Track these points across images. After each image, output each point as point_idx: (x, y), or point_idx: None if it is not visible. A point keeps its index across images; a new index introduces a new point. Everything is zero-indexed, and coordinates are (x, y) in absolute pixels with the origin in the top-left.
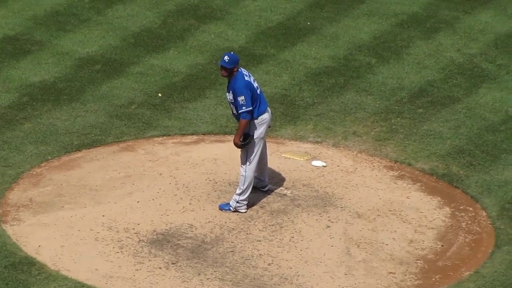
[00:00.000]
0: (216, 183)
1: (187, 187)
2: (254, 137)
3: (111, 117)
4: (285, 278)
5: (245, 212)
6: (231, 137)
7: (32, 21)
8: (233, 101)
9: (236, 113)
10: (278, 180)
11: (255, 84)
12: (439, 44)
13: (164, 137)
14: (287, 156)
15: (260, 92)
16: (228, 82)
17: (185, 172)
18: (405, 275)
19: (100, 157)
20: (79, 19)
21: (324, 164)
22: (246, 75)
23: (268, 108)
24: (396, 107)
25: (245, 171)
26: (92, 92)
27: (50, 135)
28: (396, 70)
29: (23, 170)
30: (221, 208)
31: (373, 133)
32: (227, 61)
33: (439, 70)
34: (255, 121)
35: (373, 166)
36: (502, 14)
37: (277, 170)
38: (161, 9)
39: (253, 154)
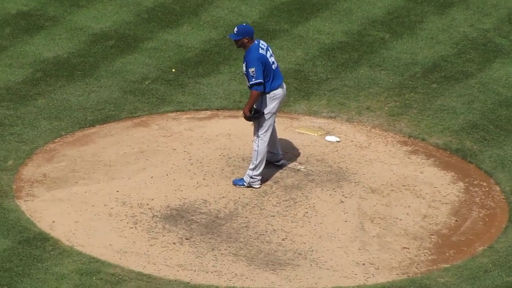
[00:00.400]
0: (230, 158)
1: (201, 162)
2: (266, 112)
3: (125, 92)
4: (299, 253)
5: (259, 187)
6: None
7: None
8: (245, 72)
9: (248, 85)
10: (292, 155)
11: (272, 59)
12: (452, 19)
13: (178, 113)
14: (301, 131)
15: (276, 67)
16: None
17: (198, 148)
18: (419, 250)
19: (114, 133)
20: None
21: (338, 139)
22: (262, 48)
23: (283, 84)
24: (410, 82)
25: (258, 145)
26: (106, 68)
27: (64, 110)
28: (410, 45)
29: (37, 145)
30: (235, 183)
31: (386, 108)
32: (235, 32)
33: (452, 45)
34: (267, 95)
35: (387, 141)
36: None
37: (291, 145)
38: None
39: (265, 129)
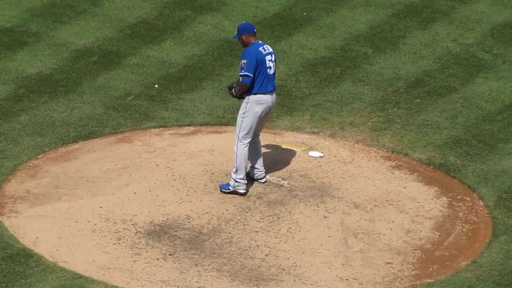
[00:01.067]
0: (213, 174)
1: (184, 178)
2: (248, 113)
3: (107, 108)
4: (282, 269)
5: (244, 192)
6: (228, 128)
7: (29, 13)
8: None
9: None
10: (275, 170)
11: (270, 64)
12: (435, 34)
13: (161, 128)
14: (284, 146)
15: (272, 74)
16: None
17: (182, 163)
18: (403, 265)
19: (97, 149)
20: (76, 11)
21: (321, 155)
22: (264, 49)
23: (274, 94)
24: (393, 97)
25: (237, 147)
26: (88, 84)
27: (47, 126)
28: (393, 60)
29: (20, 161)
30: (221, 188)
31: (370, 123)
32: (236, 31)
33: (435, 60)
34: (253, 97)
35: (370, 156)
36: (498, 3)
37: (274, 160)
38: (157, 0)
39: (245, 132)
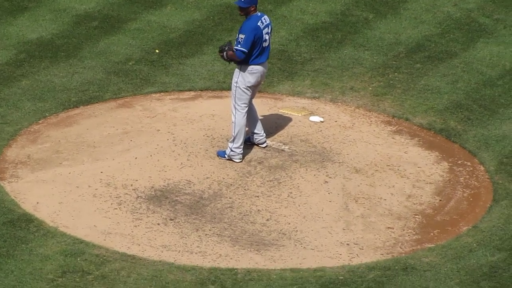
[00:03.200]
0: (214, 139)
1: (185, 143)
2: (243, 85)
3: (108, 73)
4: (283, 234)
5: (240, 161)
6: (229, 93)
7: None
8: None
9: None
10: (276, 135)
11: (266, 36)
12: None
13: (162, 93)
14: (284, 111)
15: (267, 46)
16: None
17: (182, 128)
18: (403, 230)
19: (98, 114)
20: None
21: (322, 120)
22: (262, 22)
23: (265, 64)
24: (394, 62)
25: (235, 117)
26: (89, 49)
27: (48, 91)
28: (393, 25)
29: (21, 127)
30: (218, 154)
31: (370, 88)
32: (243, 0)
33: (436, 25)
34: (247, 68)
35: (371, 121)
36: None
37: (274, 125)
38: None
39: (242, 101)
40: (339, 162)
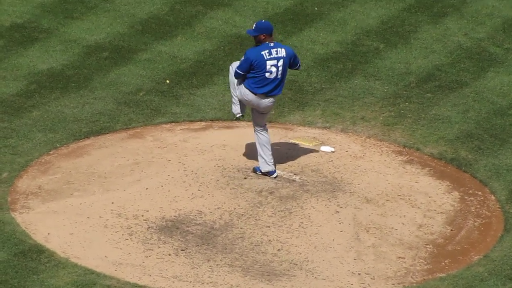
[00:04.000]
0: (225, 169)
1: (195, 173)
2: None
3: (119, 104)
4: (294, 264)
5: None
6: (240, 124)
7: (40, 9)
8: None
9: None
10: (286, 165)
11: (271, 68)
12: (446, 29)
13: (173, 124)
14: (295, 141)
15: (274, 78)
16: None
17: (193, 159)
18: (415, 259)
19: (109, 144)
20: (87, 6)
21: (333, 150)
22: (269, 52)
23: (265, 97)
24: (404, 92)
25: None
26: (100, 79)
27: (59, 122)
28: (404, 54)
29: (32, 157)
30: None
31: (381, 118)
32: (253, 28)
33: (446, 55)
34: (242, 88)
35: (382, 151)
36: None
37: (285, 155)
38: None
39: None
40: (350, 192)
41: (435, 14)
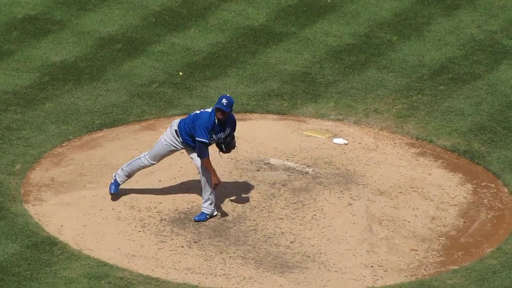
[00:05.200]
0: (238, 161)
1: None
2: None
3: (132, 96)
4: (307, 256)
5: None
6: (252, 115)
7: (53, 1)
8: (228, 136)
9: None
10: (299, 157)
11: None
12: (459, 21)
13: (186, 116)
14: (308, 133)
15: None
16: (223, 123)
17: None
18: (427, 252)
19: (122, 136)
20: None
21: (346, 142)
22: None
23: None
24: (417, 84)
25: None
26: (113, 71)
27: (72, 114)
28: (417, 47)
29: (45, 149)
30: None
31: (394, 110)
32: (226, 105)
33: (459, 47)
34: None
35: (395, 143)
36: None
37: (298, 148)
38: None
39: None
40: (363, 184)
41: (448, 6)
